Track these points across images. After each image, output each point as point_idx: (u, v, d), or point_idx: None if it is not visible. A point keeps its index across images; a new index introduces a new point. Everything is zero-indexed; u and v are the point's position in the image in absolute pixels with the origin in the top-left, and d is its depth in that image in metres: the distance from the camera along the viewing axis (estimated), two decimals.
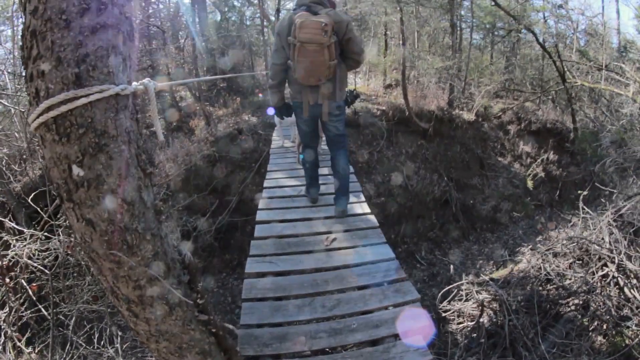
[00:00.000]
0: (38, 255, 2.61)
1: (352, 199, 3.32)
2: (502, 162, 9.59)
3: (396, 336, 2.14)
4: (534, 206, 8.66)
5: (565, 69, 8.94)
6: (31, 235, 2.57)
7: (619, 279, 2.66)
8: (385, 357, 2.02)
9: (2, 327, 2.26)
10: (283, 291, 2.34)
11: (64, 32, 0.93)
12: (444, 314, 3.30)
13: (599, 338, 2.55)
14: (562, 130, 9.82)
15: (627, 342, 2.34)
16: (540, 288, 2.95)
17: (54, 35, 0.93)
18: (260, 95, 9.33)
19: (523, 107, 10.48)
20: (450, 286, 2.94)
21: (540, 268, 3.02)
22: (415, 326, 2.16)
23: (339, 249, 2.73)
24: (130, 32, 1.06)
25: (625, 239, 2.81)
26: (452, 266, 3.22)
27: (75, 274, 2.95)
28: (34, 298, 2.49)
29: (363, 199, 3.60)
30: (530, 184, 9.31)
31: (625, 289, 2.61)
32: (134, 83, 1.05)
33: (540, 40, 9.62)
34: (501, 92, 11.52)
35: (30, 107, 0.99)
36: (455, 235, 7.63)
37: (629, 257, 2.70)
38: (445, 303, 3.42)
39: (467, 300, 3.31)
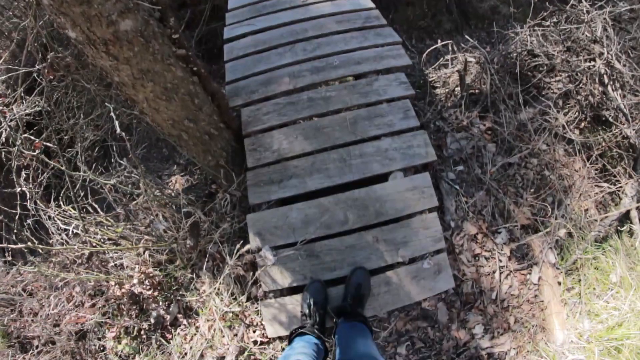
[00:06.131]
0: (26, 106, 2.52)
1: None
2: None
3: (378, 72, 2.20)
4: (538, 17, 8.00)
5: None
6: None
7: (604, 76, 2.54)
8: (369, 90, 2.12)
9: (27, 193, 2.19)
10: (263, 44, 2.34)
11: None
12: (429, 80, 3.34)
13: (576, 132, 2.57)
14: None
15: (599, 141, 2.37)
16: (526, 58, 2.90)
17: None
18: None
19: None
20: (435, 46, 2.87)
21: (527, 41, 2.91)
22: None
23: (317, 2, 2.60)
24: None
25: (619, 44, 2.60)
26: (439, 40, 3.11)
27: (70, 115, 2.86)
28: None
29: None
30: None
31: (609, 88, 2.52)
32: None
33: None
34: None
35: None
36: (447, 27, 7.24)
37: (619, 59, 2.53)
38: (430, 69, 3.43)
39: (452, 65, 3.32)
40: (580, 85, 2.77)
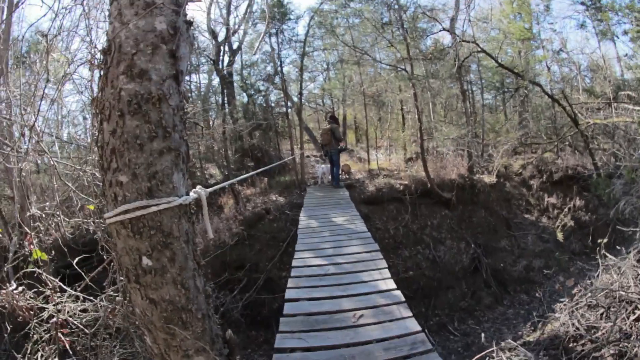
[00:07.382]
0: (78, 315, 2.82)
1: (376, 276, 3.76)
2: (529, 219, 9.34)
3: None
4: (568, 258, 8.25)
5: (576, 112, 8.81)
6: (69, 295, 2.80)
7: None
8: None
9: None
10: None
11: (139, 153, 1.22)
12: None
13: None
14: (584, 174, 9.39)
15: None
16: (572, 344, 2.91)
17: (130, 154, 1.22)
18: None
19: (542, 159, 10.28)
20: (479, 356, 2.95)
21: (569, 325, 3.00)
22: None
23: (366, 324, 2.82)
24: (187, 152, 1.36)
25: None
26: (482, 334, 3.22)
27: (107, 336, 3.05)
28: (70, 352, 2.61)
29: (388, 275, 3.72)
30: (560, 235, 8.89)
31: None
32: (191, 193, 1.35)
33: (547, 88, 9.75)
34: (519, 148, 11.48)
35: (108, 205, 1.29)
36: (488, 301, 7.36)
37: None
38: None
39: None
40: (632, 338, 2.57)
